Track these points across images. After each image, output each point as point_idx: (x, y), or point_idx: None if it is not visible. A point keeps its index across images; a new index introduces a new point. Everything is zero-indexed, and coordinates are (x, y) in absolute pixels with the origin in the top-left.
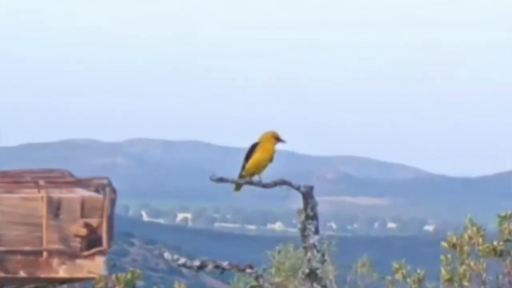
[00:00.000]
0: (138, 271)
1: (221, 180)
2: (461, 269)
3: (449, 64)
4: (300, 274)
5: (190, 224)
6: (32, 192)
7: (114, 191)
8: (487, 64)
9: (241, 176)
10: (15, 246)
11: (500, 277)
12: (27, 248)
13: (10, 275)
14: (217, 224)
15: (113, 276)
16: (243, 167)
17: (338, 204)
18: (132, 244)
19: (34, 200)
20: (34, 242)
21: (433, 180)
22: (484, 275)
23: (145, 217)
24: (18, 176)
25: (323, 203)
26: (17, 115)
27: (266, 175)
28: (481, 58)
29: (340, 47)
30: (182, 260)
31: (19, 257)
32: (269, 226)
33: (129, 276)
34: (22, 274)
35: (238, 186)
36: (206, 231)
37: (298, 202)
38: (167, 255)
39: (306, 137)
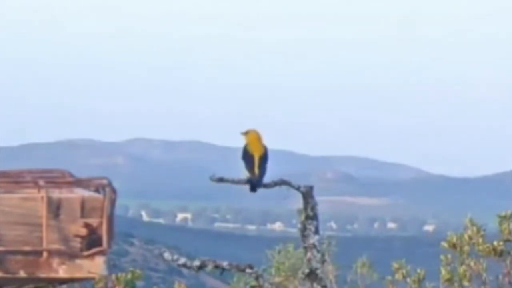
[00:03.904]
0: (138, 271)
1: (221, 180)
2: (461, 269)
3: (450, 63)
4: (300, 274)
5: (190, 224)
6: (32, 192)
7: (114, 191)
8: (487, 64)
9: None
10: (15, 246)
11: (500, 277)
12: (27, 248)
13: (10, 275)
14: (217, 224)
15: (113, 276)
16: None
17: (338, 204)
18: (132, 244)
19: (34, 200)
20: (34, 242)
21: (433, 180)
22: (484, 275)
23: (145, 217)
24: (18, 176)
25: (323, 203)
26: (17, 115)
27: (266, 175)
28: (481, 58)
29: (337, 46)
30: (182, 260)
31: (19, 257)
32: (269, 226)
33: (129, 276)
34: (22, 274)
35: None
36: (206, 231)
37: (298, 202)
38: (167, 255)
39: (306, 137)
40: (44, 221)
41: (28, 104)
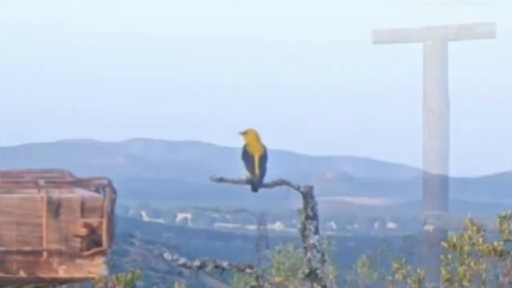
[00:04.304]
0: (138, 271)
1: (221, 180)
2: (461, 269)
3: (450, 63)
4: (300, 274)
5: (190, 224)
6: (32, 192)
7: (114, 191)
8: (486, 63)
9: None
10: (15, 246)
11: (500, 277)
12: (27, 248)
13: (10, 275)
14: (217, 224)
15: (113, 276)
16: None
17: (338, 204)
18: (132, 244)
19: (34, 200)
20: (34, 242)
21: (433, 180)
22: (484, 275)
23: (145, 217)
24: (18, 176)
25: (323, 203)
26: (17, 115)
27: (266, 175)
28: (481, 58)
29: (337, 46)
30: (182, 260)
31: (19, 257)
32: (269, 226)
33: (129, 276)
34: (22, 274)
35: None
36: (206, 231)
37: (298, 202)
38: (167, 255)
39: (306, 137)
40: (44, 221)
41: (28, 104)
